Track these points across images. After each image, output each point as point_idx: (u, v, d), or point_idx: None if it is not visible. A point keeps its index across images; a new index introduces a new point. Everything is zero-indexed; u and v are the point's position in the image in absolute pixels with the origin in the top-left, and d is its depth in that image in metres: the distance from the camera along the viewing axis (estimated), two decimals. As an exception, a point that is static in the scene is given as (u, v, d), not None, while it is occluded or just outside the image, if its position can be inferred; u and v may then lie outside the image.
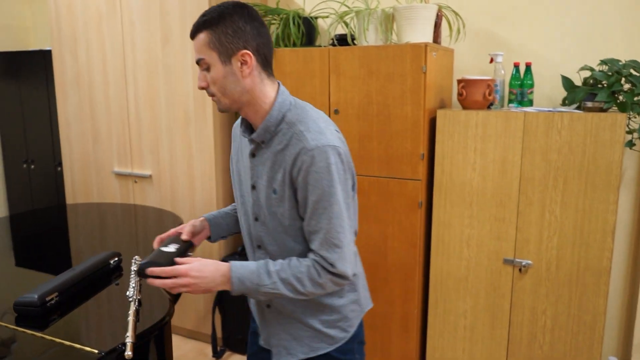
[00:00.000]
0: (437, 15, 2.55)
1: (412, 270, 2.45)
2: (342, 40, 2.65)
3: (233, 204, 1.58)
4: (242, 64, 1.17)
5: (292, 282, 1.20)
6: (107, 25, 3.11)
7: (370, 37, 2.50)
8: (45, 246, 2.05)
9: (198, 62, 1.19)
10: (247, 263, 1.22)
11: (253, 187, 1.29)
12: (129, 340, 1.21)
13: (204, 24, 1.16)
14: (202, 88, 1.22)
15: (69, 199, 3.50)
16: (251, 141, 1.26)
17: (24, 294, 1.39)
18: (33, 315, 1.37)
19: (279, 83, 1.28)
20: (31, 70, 3.93)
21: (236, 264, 1.21)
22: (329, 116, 2.52)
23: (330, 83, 2.51)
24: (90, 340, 1.25)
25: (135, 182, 3.20)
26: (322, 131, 1.18)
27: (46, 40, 4.33)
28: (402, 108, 2.35)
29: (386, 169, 2.43)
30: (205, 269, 1.19)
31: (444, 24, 2.80)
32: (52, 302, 1.41)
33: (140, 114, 3.10)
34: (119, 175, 3.27)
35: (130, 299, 1.39)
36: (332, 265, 1.20)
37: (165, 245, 1.27)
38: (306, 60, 2.55)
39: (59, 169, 3.94)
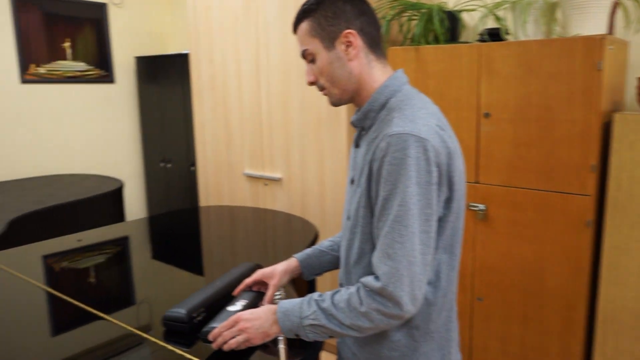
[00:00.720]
0: (613, 3, 2.18)
1: (575, 299, 2.11)
2: (493, 35, 2.37)
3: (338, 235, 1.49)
4: (346, 46, 1.09)
5: (332, 312, 1.06)
6: (242, 28, 3.11)
7: (530, 30, 2.20)
8: (180, 248, 2.04)
9: (303, 54, 1.14)
10: (295, 299, 1.15)
11: (352, 182, 1.18)
12: None
13: (303, 13, 1.12)
14: (311, 83, 1.15)
15: (202, 199, 3.58)
16: (354, 127, 1.18)
17: (172, 308, 1.33)
18: (180, 331, 1.31)
19: (398, 71, 1.15)
20: (169, 73, 4.11)
21: (285, 300, 1.15)
22: (478, 119, 2.26)
23: (481, 83, 2.25)
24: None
25: (266, 184, 3.17)
26: (414, 119, 1.01)
27: (184, 44, 4.51)
28: (569, 111, 2.03)
29: (546, 180, 2.12)
30: (256, 311, 1.15)
31: (619, 13, 2.41)
32: (199, 318, 1.34)
33: (273, 117, 3.06)
34: (250, 177, 3.26)
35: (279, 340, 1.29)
36: (377, 280, 1.01)
37: (235, 302, 1.32)
38: (452, 58, 2.32)
39: (192, 168, 4.07)
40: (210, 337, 1.17)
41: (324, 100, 2.79)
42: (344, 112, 2.72)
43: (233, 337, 1.14)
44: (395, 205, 0.99)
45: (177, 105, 4.11)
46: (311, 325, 1.08)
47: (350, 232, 1.17)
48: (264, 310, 1.15)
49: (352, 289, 1.07)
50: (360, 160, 1.13)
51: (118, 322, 1.38)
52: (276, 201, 3.14)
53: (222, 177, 3.44)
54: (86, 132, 4.15)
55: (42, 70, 3.81)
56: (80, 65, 4.03)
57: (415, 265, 0.99)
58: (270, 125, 3.08)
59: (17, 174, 3.75)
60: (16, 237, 2.38)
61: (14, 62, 3.68)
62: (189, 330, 1.30)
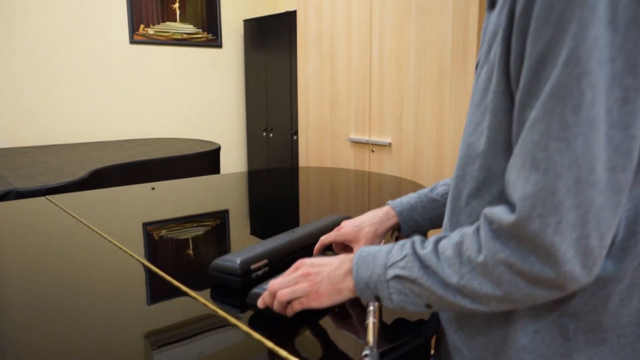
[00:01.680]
0: None
1: None
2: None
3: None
4: None
5: (432, 262, 0.64)
6: (355, -30, 2.71)
7: None
8: (272, 204, 1.69)
9: None
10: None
11: (476, 66, 0.74)
12: (367, 352, 0.68)
13: None
14: None
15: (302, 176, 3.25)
16: None
17: (225, 256, 0.96)
18: (230, 286, 0.93)
19: None
20: (277, 36, 3.84)
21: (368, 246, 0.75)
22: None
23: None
24: (304, 347, 0.75)
25: (373, 151, 2.74)
26: None
27: (292, 2, 4.22)
28: None
29: None
30: (326, 257, 0.79)
31: None
32: (259, 272, 0.96)
33: (384, 72, 2.62)
34: (355, 143, 2.86)
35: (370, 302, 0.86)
36: (512, 210, 0.56)
37: None
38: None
39: (295, 137, 3.77)
40: (262, 297, 0.79)
41: (448, 46, 2.29)
42: (472, 58, 2.20)
43: (288, 288, 0.75)
44: (558, 67, 0.52)
45: (283, 72, 3.83)
46: (398, 278, 0.66)
47: (466, 146, 0.71)
48: (338, 257, 0.76)
49: (468, 229, 0.64)
50: (493, 23, 0.67)
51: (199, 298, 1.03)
52: (383, 168, 2.70)
53: (324, 144, 3.07)
54: (189, 98, 4.03)
55: (150, 31, 3.73)
56: (189, 28, 3.91)
57: (593, 187, 0.52)
58: (381, 81, 2.65)
59: (118, 135, 3.70)
60: (97, 187, 2.19)
61: (124, 22, 3.63)
62: (242, 286, 0.92)
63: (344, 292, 0.72)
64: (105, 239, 1.23)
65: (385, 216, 1.00)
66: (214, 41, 4.06)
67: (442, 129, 2.39)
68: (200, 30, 3.97)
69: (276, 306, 0.76)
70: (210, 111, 4.16)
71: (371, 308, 0.82)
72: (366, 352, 0.68)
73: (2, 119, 3.30)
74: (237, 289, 0.92)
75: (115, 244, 1.18)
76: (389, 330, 0.82)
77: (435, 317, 0.86)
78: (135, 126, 3.79)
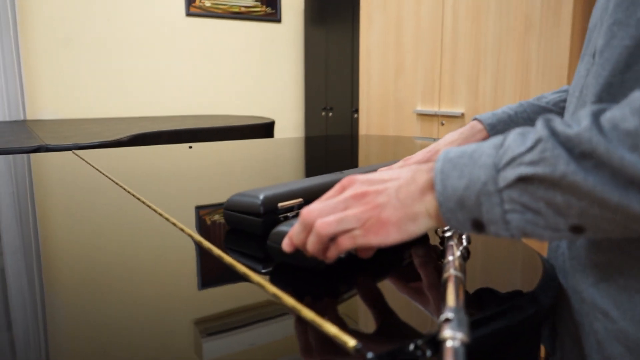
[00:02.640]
0: None
1: None
2: None
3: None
4: None
5: (593, 145, 0.36)
6: None
7: None
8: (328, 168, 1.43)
9: None
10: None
11: None
12: (449, 315, 0.40)
13: None
14: None
15: (362, 144, 2.96)
16: None
17: (246, 191, 0.70)
18: (251, 231, 0.67)
19: None
20: (338, 9, 3.58)
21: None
22: None
23: None
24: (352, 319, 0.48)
25: (442, 124, 2.42)
26: None
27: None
28: None
29: None
30: (389, 171, 0.50)
31: None
32: (290, 215, 0.69)
33: (459, 32, 2.29)
34: (422, 115, 2.54)
35: (449, 245, 0.58)
36: None
37: None
38: None
39: (355, 115, 3.49)
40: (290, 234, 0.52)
41: (537, -8, 1.94)
42: (568, 5, 1.84)
43: (333, 215, 0.47)
44: None
45: (345, 48, 3.56)
46: (523, 182, 0.39)
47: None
48: (410, 167, 0.48)
49: None
50: None
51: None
52: (455, 144, 2.37)
53: (387, 117, 2.76)
54: (245, 74, 3.84)
55: (207, 3, 3.57)
56: (247, 0, 3.72)
57: None
58: (455, 42, 2.31)
59: (169, 110, 3.56)
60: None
61: (181, -7, 3.49)
62: (262, 231, 0.65)
63: (421, 218, 0.45)
64: (140, 200, 1.00)
65: (469, 131, 0.71)
66: (273, 15, 3.85)
67: (527, 94, 2.03)
68: (258, 3, 3.77)
69: (312, 246, 0.48)
70: (267, 90, 3.96)
71: (452, 243, 0.53)
72: (448, 314, 0.40)
73: (53, 90, 3.24)
74: (258, 236, 0.65)
75: (147, 204, 0.95)
76: (481, 292, 0.53)
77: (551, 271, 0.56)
78: (189, 102, 3.65)
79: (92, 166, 1.21)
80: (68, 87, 3.27)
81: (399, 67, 2.65)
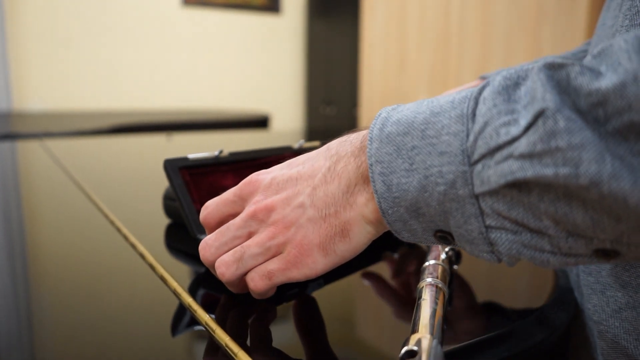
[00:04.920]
0: None
1: None
2: None
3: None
4: None
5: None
6: None
7: None
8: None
9: None
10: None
11: None
12: (412, 348, 0.26)
13: None
14: None
15: (362, 143, 2.82)
16: None
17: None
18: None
19: None
20: (340, 1, 3.45)
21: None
22: None
23: None
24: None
25: (446, 119, 2.27)
26: None
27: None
28: None
29: None
30: (300, 157, 0.35)
31: None
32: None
33: (466, 23, 2.14)
34: (425, 110, 2.39)
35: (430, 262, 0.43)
36: None
37: None
38: None
39: (355, 110, 3.36)
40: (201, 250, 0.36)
41: (551, -24, 1.79)
42: (585, -9, 1.69)
43: (231, 252, 0.33)
44: None
45: (347, 41, 3.43)
46: (515, 188, 0.24)
47: None
48: (327, 146, 0.33)
49: None
50: None
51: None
52: (459, 141, 2.23)
53: (388, 114, 2.62)
54: (244, 67, 3.71)
55: (204, -8, 3.44)
56: (246, -10, 3.59)
57: None
58: (462, 34, 2.17)
59: (163, 104, 3.42)
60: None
61: (177, -18, 3.36)
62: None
63: (355, 228, 0.30)
64: (90, 199, 0.87)
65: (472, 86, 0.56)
66: (273, 6, 3.71)
67: (538, 87, 1.88)
68: (258, -8, 3.63)
69: (225, 281, 0.34)
70: (266, 82, 3.82)
71: (429, 263, 0.39)
72: (411, 346, 0.26)
73: (42, 81, 3.11)
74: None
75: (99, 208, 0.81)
76: (472, 309, 0.38)
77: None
78: (184, 95, 3.51)
79: (54, 158, 1.08)
80: (58, 79, 3.14)
81: (402, 60, 2.51)
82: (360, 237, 0.31)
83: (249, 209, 0.33)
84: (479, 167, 0.24)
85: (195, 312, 0.36)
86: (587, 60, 0.23)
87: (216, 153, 0.50)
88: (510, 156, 0.23)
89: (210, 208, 0.35)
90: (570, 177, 0.21)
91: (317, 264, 0.31)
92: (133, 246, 0.49)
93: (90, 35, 3.18)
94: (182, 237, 0.52)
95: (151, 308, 0.39)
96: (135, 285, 0.43)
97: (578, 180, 0.21)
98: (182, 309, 0.37)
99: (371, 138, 0.29)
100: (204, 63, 3.56)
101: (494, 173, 0.24)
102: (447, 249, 0.43)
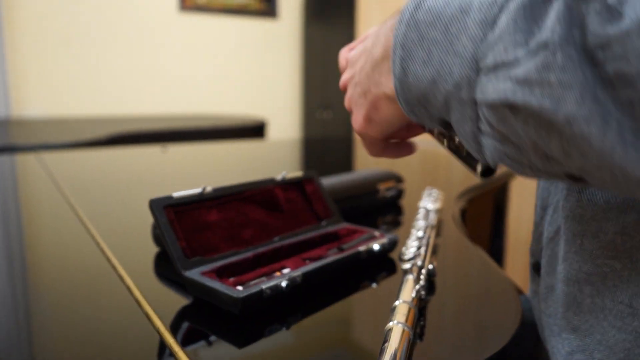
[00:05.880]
0: None
1: None
2: None
3: None
4: None
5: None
6: None
7: None
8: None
9: None
10: None
11: None
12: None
13: None
14: None
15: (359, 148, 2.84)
16: None
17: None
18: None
19: None
20: (338, 5, 3.45)
21: None
22: None
23: None
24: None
25: (440, 125, 2.29)
26: None
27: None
28: None
29: None
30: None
31: None
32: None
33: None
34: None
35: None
36: None
37: None
38: None
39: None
40: None
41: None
42: None
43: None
44: None
45: (343, 46, 3.43)
46: (507, 107, 0.25)
47: None
48: (384, 23, 0.36)
49: None
50: None
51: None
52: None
53: (384, 120, 2.64)
54: (241, 72, 3.72)
55: (201, -2, 3.45)
56: (242, -5, 3.60)
57: None
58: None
59: (161, 109, 3.44)
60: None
61: (174, -12, 3.38)
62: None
63: (381, 104, 0.36)
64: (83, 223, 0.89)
65: None
66: (269, 10, 3.73)
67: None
68: (254, -3, 3.65)
69: None
70: (263, 87, 3.84)
71: (398, 303, 0.41)
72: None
73: (40, 87, 3.13)
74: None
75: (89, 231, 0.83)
76: (434, 347, 0.40)
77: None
78: (181, 100, 3.53)
79: (48, 174, 1.10)
80: (56, 85, 3.16)
81: (396, 66, 2.53)
82: (388, 111, 0.36)
83: (340, 82, 0.45)
84: (482, 77, 0.26)
85: (176, 353, 0.38)
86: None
87: (200, 190, 0.52)
88: (508, 77, 0.24)
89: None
90: (550, 112, 0.23)
91: (372, 130, 0.39)
92: (121, 278, 0.51)
93: (88, 41, 3.20)
94: (171, 265, 0.55)
95: (133, 347, 0.41)
96: (120, 322, 0.45)
97: (556, 116, 0.23)
98: (163, 346, 0.39)
99: (401, 20, 0.31)
100: (202, 68, 3.58)
101: (493, 88, 0.25)
102: (418, 286, 0.45)
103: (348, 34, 3.37)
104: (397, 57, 0.30)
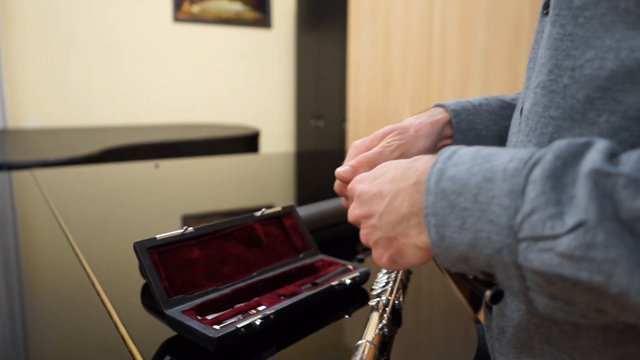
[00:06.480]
0: None
1: None
2: None
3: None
4: None
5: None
6: None
7: None
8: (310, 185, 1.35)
9: None
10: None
11: None
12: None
13: None
14: None
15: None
16: None
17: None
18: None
19: None
20: (331, 16, 3.49)
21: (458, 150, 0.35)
22: None
23: None
24: None
25: (429, 137, 2.33)
26: None
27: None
28: None
29: None
30: (390, 168, 0.41)
31: None
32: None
33: (447, 43, 2.20)
34: (410, 128, 2.45)
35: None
36: None
37: None
38: None
39: (344, 125, 3.40)
40: None
41: (525, 3, 1.85)
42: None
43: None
44: None
45: (336, 56, 3.47)
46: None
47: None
48: (405, 161, 0.41)
49: None
50: None
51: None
52: (442, 159, 2.28)
53: (375, 130, 2.67)
54: (235, 82, 3.76)
55: (195, 9, 3.49)
56: (236, 5, 3.64)
57: None
58: (443, 54, 2.23)
59: (156, 119, 3.47)
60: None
61: (168, -1, 3.42)
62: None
63: (409, 252, 0.38)
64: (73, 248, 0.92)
65: (429, 112, 0.61)
66: (263, 21, 3.76)
67: (516, 109, 1.94)
68: (248, 8, 3.68)
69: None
70: (256, 97, 3.88)
71: (360, 342, 0.45)
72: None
73: (36, 97, 3.16)
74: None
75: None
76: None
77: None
78: (176, 110, 3.57)
79: (42, 192, 1.13)
80: (52, 94, 3.19)
81: (387, 78, 2.57)
82: (415, 257, 0.38)
83: (350, 214, 0.45)
84: (523, 245, 0.28)
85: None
86: (635, 167, 0.25)
87: (182, 230, 0.56)
88: (551, 250, 0.26)
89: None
90: (602, 285, 0.25)
91: (395, 267, 0.41)
92: (109, 313, 0.55)
93: (83, 51, 3.23)
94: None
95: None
96: (102, 351, 0.48)
97: (609, 289, 0.25)
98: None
99: (428, 189, 0.34)
100: (196, 78, 3.61)
101: (537, 258, 0.27)
102: (382, 324, 0.48)
103: (341, 45, 3.40)
104: (431, 225, 0.33)
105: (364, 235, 0.42)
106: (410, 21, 2.39)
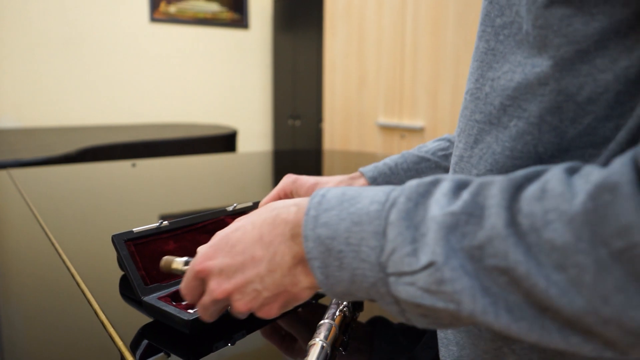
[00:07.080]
0: None
1: None
2: None
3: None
4: None
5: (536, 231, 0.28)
6: None
7: None
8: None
9: None
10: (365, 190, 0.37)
11: None
12: None
13: None
14: None
15: (327, 155, 2.92)
16: None
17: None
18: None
19: None
20: (307, 16, 3.54)
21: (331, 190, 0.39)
22: None
23: None
24: None
25: (403, 136, 2.39)
26: None
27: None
28: None
29: None
30: (245, 224, 0.42)
31: None
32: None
33: (419, 44, 2.26)
34: (384, 127, 2.51)
35: (325, 321, 0.53)
36: None
37: None
38: None
39: (321, 124, 3.46)
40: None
41: (493, 7, 1.92)
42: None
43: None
44: None
45: (313, 56, 3.52)
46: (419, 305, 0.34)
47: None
48: (263, 235, 0.41)
49: (592, 172, 0.28)
50: None
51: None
52: (415, 158, 2.35)
53: (350, 129, 2.73)
54: (212, 82, 3.78)
55: (172, 9, 3.50)
56: (213, 6, 3.66)
57: None
58: (415, 55, 2.29)
59: (133, 119, 3.48)
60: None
61: (145, -1, 3.42)
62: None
63: (302, 294, 0.41)
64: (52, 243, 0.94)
65: (349, 179, 0.68)
66: (240, 21, 3.79)
67: (484, 108, 2.01)
68: (225, 8, 3.71)
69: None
70: (234, 97, 3.90)
71: (323, 322, 0.49)
72: None
73: (13, 97, 3.14)
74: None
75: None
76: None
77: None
78: (153, 110, 3.57)
79: (19, 191, 1.15)
80: (29, 94, 3.17)
81: (361, 78, 2.62)
82: (306, 295, 0.41)
83: (211, 294, 0.41)
84: (392, 279, 0.33)
85: (134, 369, 0.45)
86: (471, 200, 0.31)
87: (157, 224, 0.60)
88: (413, 284, 0.32)
89: (187, 296, 0.44)
90: (456, 311, 0.31)
91: (285, 310, 0.42)
92: (89, 302, 0.59)
93: (60, 51, 3.22)
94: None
95: (101, 363, 0.48)
96: (84, 337, 0.52)
97: (460, 313, 0.31)
98: (125, 364, 0.47)
99: (306, 236, 0.37)
100: (173, 78, 3.62)
101: (403, 290, 0.33)
102: (342, 306, 0.53)
103: (317, 46, 3.45)
104: (315, 267, 0.36)
105: (247, 303, 0.40)
106: (383, 23, 2.45)
